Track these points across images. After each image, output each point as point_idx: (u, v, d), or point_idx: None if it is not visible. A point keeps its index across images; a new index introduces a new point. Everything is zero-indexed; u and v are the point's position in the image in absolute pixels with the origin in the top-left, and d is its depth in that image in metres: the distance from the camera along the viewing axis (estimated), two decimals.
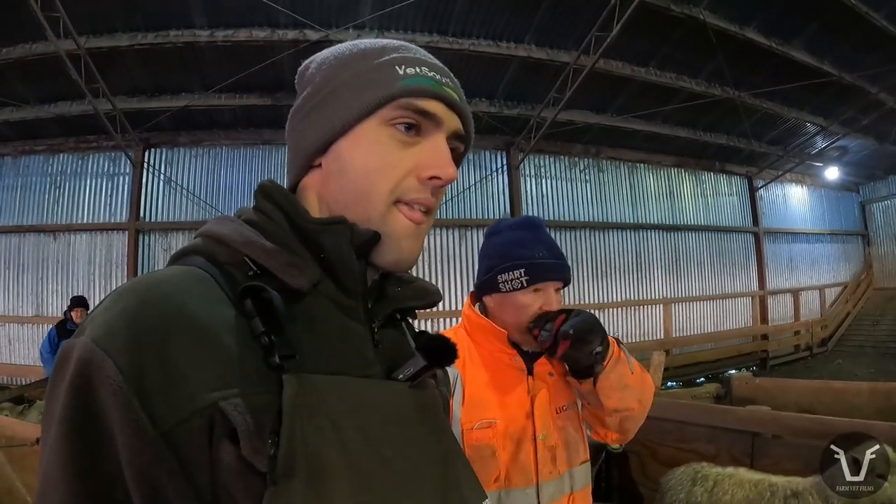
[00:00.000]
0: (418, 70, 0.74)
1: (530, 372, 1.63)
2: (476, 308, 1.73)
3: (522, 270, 1.57)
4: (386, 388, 0.73)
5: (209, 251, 0.68)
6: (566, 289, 1.70)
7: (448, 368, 1.52)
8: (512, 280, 1.58)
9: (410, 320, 0.91)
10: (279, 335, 0.60)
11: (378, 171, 0.72)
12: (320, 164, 0.76)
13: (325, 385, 0.63)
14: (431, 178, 0.73)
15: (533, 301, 1.58)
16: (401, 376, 0.75)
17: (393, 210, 0.73)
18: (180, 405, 0.54)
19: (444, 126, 0.75)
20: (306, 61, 0.83)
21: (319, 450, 0.58)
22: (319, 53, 0.81)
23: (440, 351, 0.79)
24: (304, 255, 0.69)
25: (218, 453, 0.54)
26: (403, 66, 0.74)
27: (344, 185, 0.73)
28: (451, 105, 0.75)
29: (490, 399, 1.57)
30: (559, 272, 1.62)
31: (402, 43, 0.79)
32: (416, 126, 0.73)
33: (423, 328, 0.91)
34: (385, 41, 0.78)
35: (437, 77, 0.75)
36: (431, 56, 0.80)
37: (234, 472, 0.54)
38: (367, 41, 0.78)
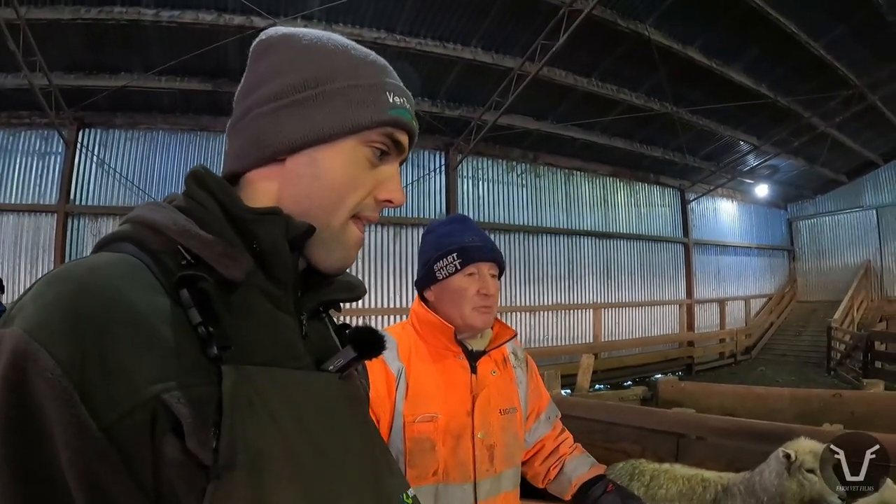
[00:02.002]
0: (402, 101, 0.79)
1: (474, 370, 1.67)
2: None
3: (455, 254, 1.65)
4: (318, 379, 0.74)
5: (140, 238, 0.65)
6: (501, 291, 1.74)
7: (393, 361, 1.59)
8: (446, 266, 1.66)
9: (333, 313, 0.93)
10: (216, 326, 0.60)
11: (350, 186, 0.75)
12: (283, 160, 0.75)
13: (261, 376, 0.62)
14: (386, 200, 0.79)
15: (469, 285, 1.65)
16: (331, 367, 0.76)
17: (349, 222, 0.77)
18: (122, 399, 0.51)
19: (404, 154, 0.83)
20: (282, 32, 0.80)
21: (259, 441, 0.58)
22: (298, 32, 0.80)
23: (369, 343, 0.80)
24: (237, 244, 0.67)
25: (161, 448, 0.53)
26: (393, 95, 0.78)
27: (314, 191, 0.74)
28: (411, 137, 0.82)
29: (433, 394, 1.60)
30: (490, 253, 1.69)
31: (385, 62, 0.82)
32: (387, 152, 0.79)
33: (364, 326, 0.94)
34: (372, 55, 0.81)
35: (412, 111, 0.81)
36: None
37: (177, 466, 0.53)
38: (357, 47, 0.80)
